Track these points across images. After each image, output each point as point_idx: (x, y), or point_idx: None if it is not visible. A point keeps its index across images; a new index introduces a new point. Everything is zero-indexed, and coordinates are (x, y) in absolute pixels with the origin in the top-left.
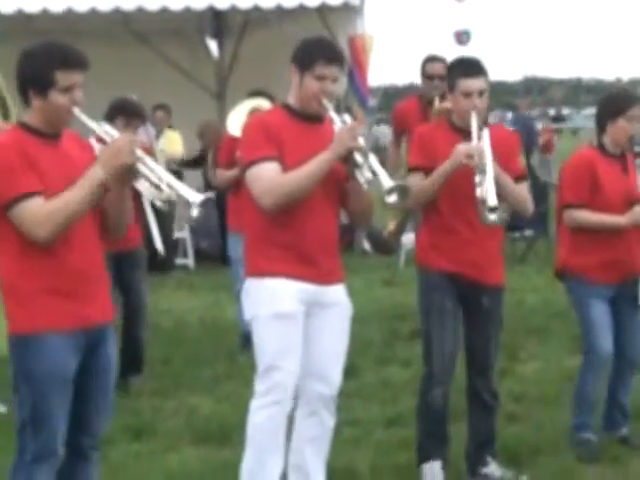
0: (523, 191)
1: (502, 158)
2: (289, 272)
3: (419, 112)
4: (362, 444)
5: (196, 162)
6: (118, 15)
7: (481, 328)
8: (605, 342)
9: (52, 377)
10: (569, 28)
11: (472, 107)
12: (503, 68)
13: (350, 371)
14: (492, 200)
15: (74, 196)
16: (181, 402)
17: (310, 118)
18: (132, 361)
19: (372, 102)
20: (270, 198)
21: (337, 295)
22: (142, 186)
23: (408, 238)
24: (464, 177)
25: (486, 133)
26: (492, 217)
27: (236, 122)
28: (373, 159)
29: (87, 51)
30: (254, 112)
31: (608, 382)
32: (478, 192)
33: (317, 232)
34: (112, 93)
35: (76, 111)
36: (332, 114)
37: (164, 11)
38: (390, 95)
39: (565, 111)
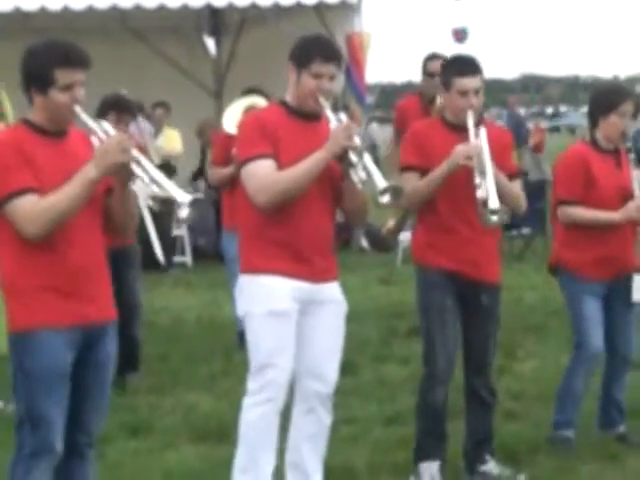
0: (517, 188)
1: (497, 156)
2: (284, 270)
3: (419, 109)
4: (360, 442)
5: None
6: (115, 12)
7: (479, 326)
8: (596, 339)
9: (48, 373)
10: (566, 26)
11: (468, 106)
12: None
13: (348, 369)
14: (494, 203)
15: (66, 194)
16: (178, 399)
17: (307, 116)
18: (128, 359)
19: (369, 100)
20: (265, 195)
21: (332, 293)
22: (136, 186)
23: (406, 236)
24: (463, 176)
25: (483, 132)
26: (494, 219)
27: (231, 120)
28: (368, 159)
29: (84, 49)
30: (249, 110)
31: (602, 379)
32: (479, 193)
33: (312, 230)
34: (109, 91)
35: (77, 109)
36: (328, 112)
37: (161, 8)
38: (387, 93)
39: (562, 109)
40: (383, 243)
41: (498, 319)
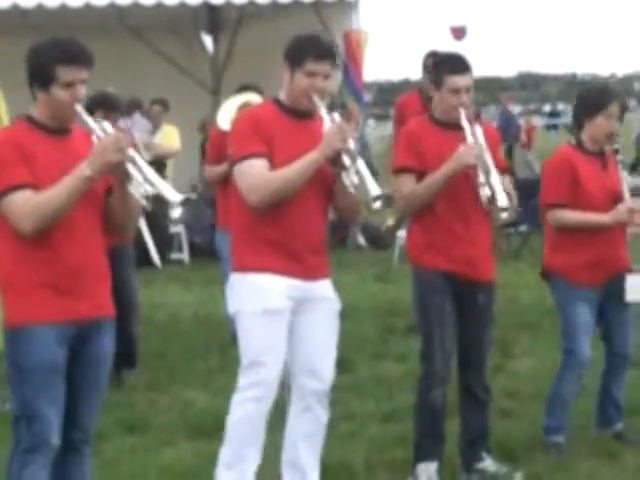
0: (507, 184)
1: (489, 152)
2: (277, 268)
3: (419, 106)
4: (357, 439)
5: None
6: (113, 10)
7: (476, 325)
8: (585, 345)
9: (40, 368)
10: (564, 23)
11: (460, 104)
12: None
13: (345, 366)
14: (503, 200)
15: (59, 190)
16: (175, 396)
17: (300, 114)
18: (125, 356)
19: (367, 97)
20: (257, 195)
21: (324, 290)
22: (132, 186)
23: (403, 234)
24: (462, 175)
25: (479, 129)
26: (504, 216)
27: (226, 117)
28: (361, 163)
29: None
30: (244, 107)
31: (601, 377)
32: (484, 191)
33: (305, 229)
34: (113, 88)
35: (78, 107)
36: (322, 111)
37: (159, 6)
38: (385, 90)
39: (560, 106)
40: (380, 241)
41: (493, 317)
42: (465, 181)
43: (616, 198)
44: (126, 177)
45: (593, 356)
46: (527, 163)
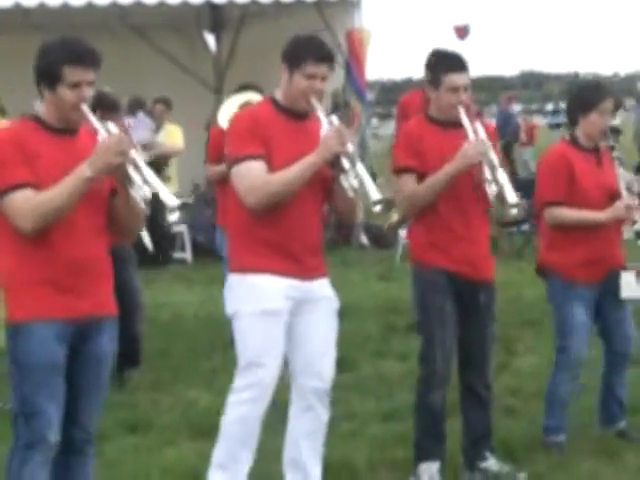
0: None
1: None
2: (276, 269)
3: (421, 105)
4: (358, 438)
5: None
6: (115, 9)
7: (477, 324)
8: (579, 345)
9: (38, 364)
10: (566, 22)
11: (458, 102)
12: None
13: (347, 365)
14: (512, 197)
15: (59, 191)
16: (178, 396)
17: (297, 114)
18: (128, 356)
19: (370, 96)
20: (255, 197)
21: (322, 290)
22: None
23: (405, 233)
24: (464, 174)
25: (480, 127)
26: (514, 212)
27: (227, 116)
28: (360, 167)
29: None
30: (245, 106)
31: (602, 376)
32: (491, 188)
33: (303, 229)
34: (109, 87)
35: (84, 108)
36: (320, 113)
37: (161, 5)
38: (388, 89)
39: (563, 105)
40: (383, 240)
41: (494, 316)
42: (467, 180)
43: (611, 195)
44: (126, 179)
45: (593, 354)
46: (524, 163)
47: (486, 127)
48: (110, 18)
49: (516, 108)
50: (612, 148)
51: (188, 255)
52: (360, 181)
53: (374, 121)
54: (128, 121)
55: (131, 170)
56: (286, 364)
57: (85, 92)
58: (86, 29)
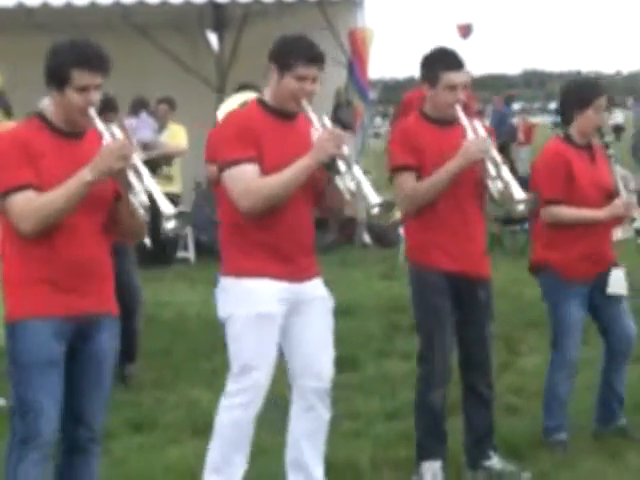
0: None
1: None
2: (270, 272)
3: (419, 103)
4: (362, 437)
5: None
6: (118, 8)
7: (478, 321)
8: (574, 345)
9: (35, 361)
10: (569, 21)
11: (456, 100)
12: (503, 61)
13: (350, 364)
14: (519, 193)
15: (60, 193)
16: (181, 395)
17: (286, 115)
18: (126, 352)
19: (372, 95)
20: (248, 201)
21: (316, 290)
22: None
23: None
24: (465, 172)
25: (478, 124)
26: (520, 208)
27: None
28: (357, 170)
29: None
30: (244, 106)
31: (602, 374)
32: (496, 185)
33: (296, 231)
34: (112, 87)
35: (91, 112)
36: (311, 115)
37: (164, 4)
38: (390, 88)
39: None
40: (385, 238)
41: (492, 314)
42: (466, 178)
43: (605, 192)
44: (126, 185)
45: (591, 353)
46: (521, 162)
47: (484, 127)
48: (113, 17)
49: (515, 107)
50: (607, 145)
51: (191, 254)
52: (357, 184)
53: (377, 120)
54: (129, 122)
55: (131, 176)
56: (281, 355)
57: (92, 96)
58: (89, 29)
